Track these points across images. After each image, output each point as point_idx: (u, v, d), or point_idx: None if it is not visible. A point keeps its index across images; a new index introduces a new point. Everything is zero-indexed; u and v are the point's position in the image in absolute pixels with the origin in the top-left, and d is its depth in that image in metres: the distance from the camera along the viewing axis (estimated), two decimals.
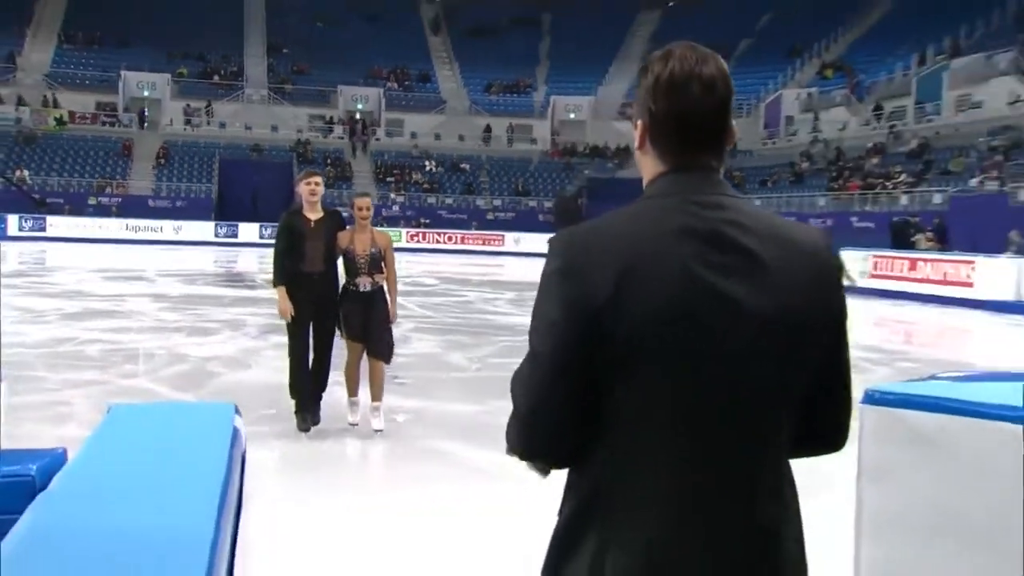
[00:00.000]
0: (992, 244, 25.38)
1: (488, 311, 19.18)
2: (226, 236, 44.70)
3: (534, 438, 1.79)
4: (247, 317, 16.33)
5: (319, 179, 8.18)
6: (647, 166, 1.90)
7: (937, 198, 33.47)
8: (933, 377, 2.49)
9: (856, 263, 25.32)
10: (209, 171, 49.80)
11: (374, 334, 7.85)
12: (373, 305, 7.85)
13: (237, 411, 3.21)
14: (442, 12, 62.85)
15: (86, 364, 11.05)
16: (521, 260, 38.32)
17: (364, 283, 7.79)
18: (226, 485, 2.12)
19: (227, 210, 46.99)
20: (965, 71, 39.97)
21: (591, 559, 1.72)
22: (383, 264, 7.90)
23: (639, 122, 1.88)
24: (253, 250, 41.76)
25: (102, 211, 45.38)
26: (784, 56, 54.01)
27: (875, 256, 26.47)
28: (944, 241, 28.61)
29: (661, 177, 1.85)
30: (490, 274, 31.39)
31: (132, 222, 44.16)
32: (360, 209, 7.86)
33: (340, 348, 8.06)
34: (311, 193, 7.96)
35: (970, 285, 23.09)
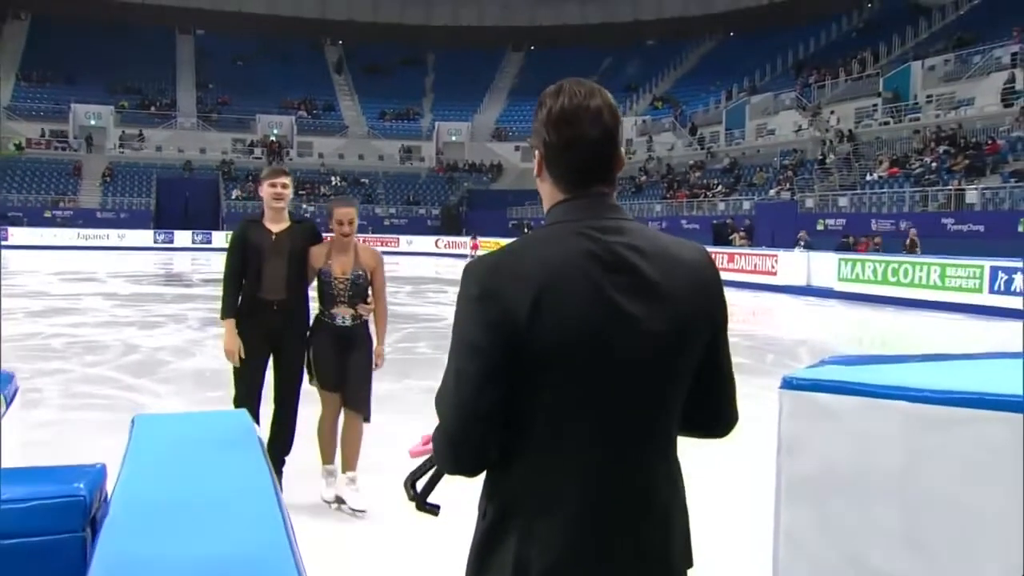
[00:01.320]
0: (787, 241, 26.17)
1: (390, 303, 18.93)
2: (164, 242, 43.53)
3: (463, 453, 1.62)
4: (188, 312, 15.84)
5: (287, 180, 5.19)
6: (546, 193, 1.74)
7: (746, 204, 34.33)
8: (823, 362, 2.46)
9: None
10: (148, 187, 48.31)
11: (353, 382, 5.03)
12: (354, 345, 5.04)
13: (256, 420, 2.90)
14: (343, 54, 62.03)
15: (53, 355, 10.52)
16: (413, 258, 38.09)
17: (343, 315, 5.00)
18: (279, 501, 1.94)
19: (164, 220, 45.85)
20: (761, 105, 41.22)
21: (515, 559, 1.59)
22: (369, 291, 5.12)
23: (536, 152, 1.73)
24: (187, 253, 40.80)
25: (56, 222, 43.68)
26: (623, 91, 54.68)
27: None
28: (752, 239, 29.36)
29: (560, 204, 1.70)
30: (388, 271, 31.01)
31: (83, 231, 42.76)
32: (341, 223, 4.98)
33: (308, 403, 5.31)
34: (275, 197, 5.08)
35: (774, 274, 23.79)
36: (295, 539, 1.81)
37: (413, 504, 1.86)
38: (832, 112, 36.64)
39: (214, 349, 11.40)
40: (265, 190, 5.14)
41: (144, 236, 43.45)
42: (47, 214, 44.35)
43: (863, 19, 47.29)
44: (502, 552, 1.61)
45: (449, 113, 57.46)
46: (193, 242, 43.93)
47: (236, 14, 60.32)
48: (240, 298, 5.10)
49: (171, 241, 43.73)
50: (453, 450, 1.62)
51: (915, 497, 2.07)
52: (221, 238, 44.50)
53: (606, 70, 58.73)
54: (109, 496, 1.89)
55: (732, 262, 25.32)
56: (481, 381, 1.58)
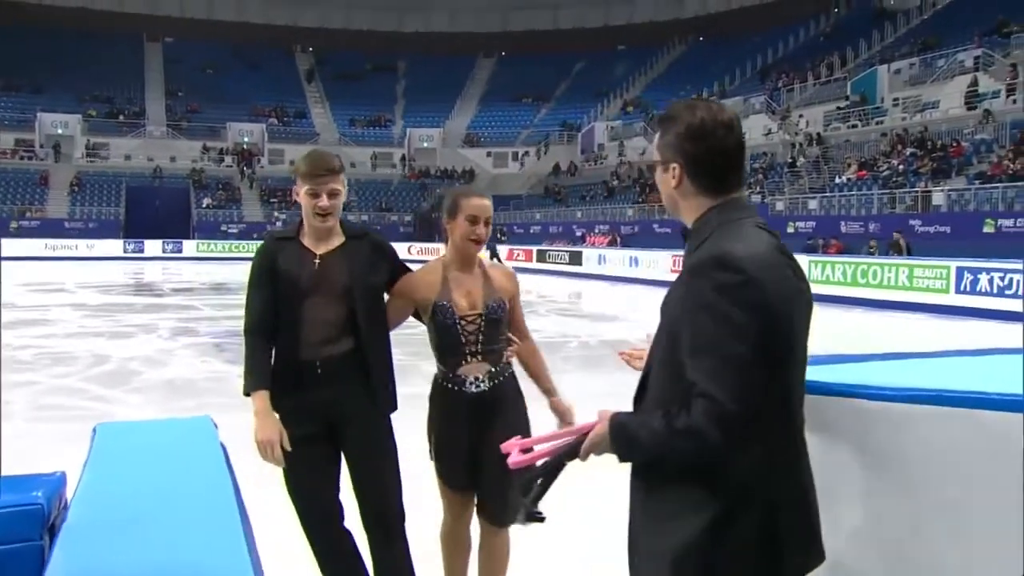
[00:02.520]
0: None
1: None
2: (134, 251, 43.07)
3: (739, 427, 1.72)
4: (158, 321, 15.72)
5: (336, 182, 3.27)
6: (691, 204, 1.93)
7: None
8: None
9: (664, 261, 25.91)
10: (117, 196, 47.78)
11: (492, 475, 3.24)
12: (496, 414, 3.29)
13: (214, 424, 2.88)
14: (315, 61, 61.81)
15: (22, 367, 10.37)
16: None
17: (477, 376, 3.28)
18: (240, 505, 1.91)
19: (133, 229, 45.31)
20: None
21: (759, 532, 1.78)
22: (506, 327, 3.39)
23: (673, 165, 1.92)
24: (158, 262, 40.43)
25: (24, 232, 42.96)
26: (594, 96, 54.89)
27: (674, 255, 27.11)
28: None
29: (716, 208, 1.90)
30: None
31: (50, 241, 42.03)
32: (476, 221, 3.28)
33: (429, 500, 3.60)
34: (320, 213, 3.24)
35: None
36: (255, 547, 1.82)
37: (521, 514, 2.01)
38: (801, 116, 36.94)
39: (186, 358, 11.35)
40: (303, 197, 3.27)
41: (114, 246, 42.99)
42: (13, 225, 43.63)
43: (830, 24, 47.73)
44: (743, 527, 1.77)
45: (421, 119, 57.36)
46: (164, 251, 43.57)
47: (205, 21, 60.00)
48: (274, 358, 3.25)
49: (141, 251, 43.30)
50: (732, 427, 1.71)
51: (877, 491, 2.11)
52: (192, 247, 44.22)
53: (577, 75, 58.99)
54: (68, 503, 1.88)
55: None
56: (753, 357, 1.72)
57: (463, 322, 3.24)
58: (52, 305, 18.81)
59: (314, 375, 3.19)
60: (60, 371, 10.33)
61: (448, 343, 3.27)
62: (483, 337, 3.25)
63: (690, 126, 1.89)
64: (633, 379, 2.10)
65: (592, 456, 1.95)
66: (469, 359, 3.25)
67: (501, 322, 3.30)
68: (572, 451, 1.99)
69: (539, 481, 1.95)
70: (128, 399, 8.71)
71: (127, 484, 2.08)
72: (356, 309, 3.22)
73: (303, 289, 3.22)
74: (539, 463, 1.97)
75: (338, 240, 3.33)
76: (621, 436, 1.88)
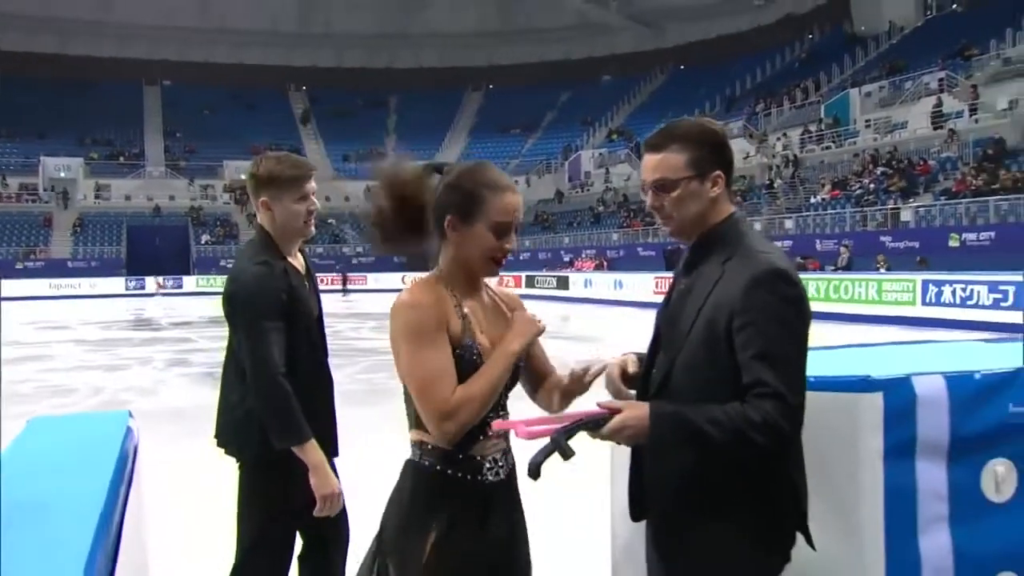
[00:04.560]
0: None
1: (353, 338, 19.25)
2: (135, 288, 43.41)
3: (800, 421, 1.93)
4: (153, 354, 16.08)
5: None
6: (720, 208, 2.10)
7: None
8: None
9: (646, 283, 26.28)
10: (119, 235, 48.25)
11: None
12: (520, 520, 2.24)
13: (131, 415, 2.81)
14: (308, 99, 62.45)
15: (21, 400, 10.69)
16: (382, 295, 38.23)
17: (495, 456, 2.16)
18: (109, 511, 1.82)
19: (134, 266, 45.74)
20: None
21: (793, 490, 2.04)
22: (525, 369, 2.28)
23: (717, 174, 2.08)
24: (158, 299, 40.78)
25: (29, 273, 43.43)
26: (580, 125, 55.50)
27: (656, 277, 27.49)
28: None
29: (735, 215, 2.12)
30: (354, 308, 31.37)
31: (54, 281, 42.47)
32: (507, 230, 2.13)
33: None
34: (308, 214, 2.91)
35: None
36: (111, 549, 1.79)
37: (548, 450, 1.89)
38: (779, 139, 37.49)
39: (177, 389, 11.72)
40: (285, 206, 2.85)
41: (115, 283, 43.36)
42: (19, 266, 44.13)
43: (804, 50, 48.47)
44: (781, 484, 2.02)
45: (412, 152, 55.74)
46: (163, 287, 44.01)
47: (203, 64, 60.65)
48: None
49: (142, 287, 43.64)
50: (797, 419, 1.92)
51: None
52: (192, 283, 44.59)
53: (563, 105, 59.64)
54: None
55: None
56: (804, 362, 1.96)
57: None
58: (54, 342, 19.16)
59: (333, 420, 2.95)
60: (58, 402, 10.70)
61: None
62: (505, 397, 2.20)
63: (719, 137, 2.09)
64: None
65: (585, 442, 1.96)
66: (488, 431, 2.11)
67: (519, 371, 2.24)
68: (595, 424, 1.92)
69: (564, 435, 1.89)
70: None
71: (10, 479, 1.96)
72: (322, 331, 2.95)
73: (306, 309, 2.85)
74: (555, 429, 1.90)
75: (299, 254, 2.99)
76: (677, 424, 1.92)
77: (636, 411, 1.94)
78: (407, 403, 2.15)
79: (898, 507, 2.31)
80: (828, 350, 3.17)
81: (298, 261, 2.93)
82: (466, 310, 2.14)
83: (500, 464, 2.16)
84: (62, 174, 50.91)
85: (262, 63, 61.52)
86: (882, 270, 22.64)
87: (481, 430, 2.09)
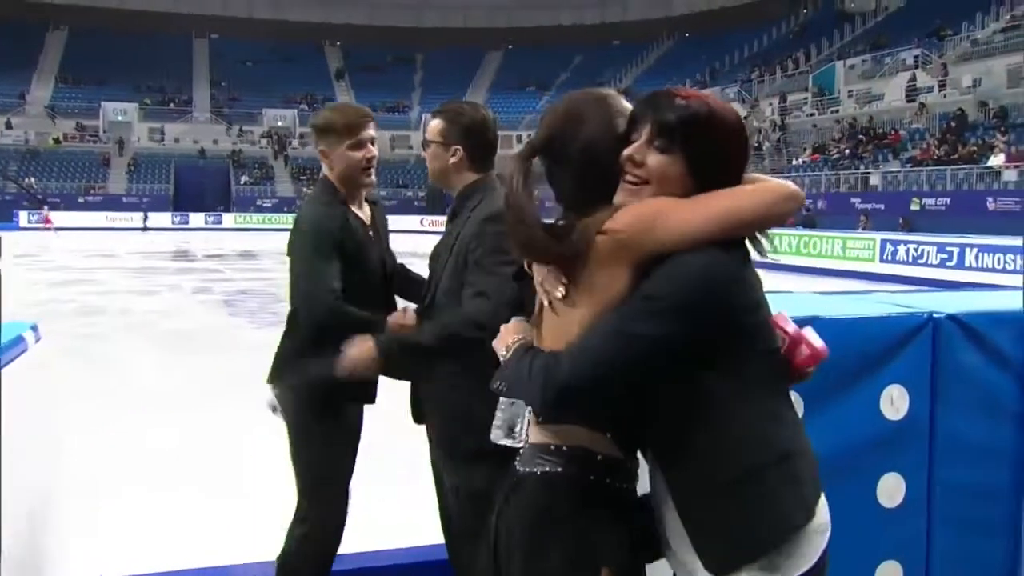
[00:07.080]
0: None
1: None
2: (180, 223, 43.97)
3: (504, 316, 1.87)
4: (184, 282, 16.46)
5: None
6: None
7: None
8: None
9: None
10: (167, 175, 48.61)
11: None
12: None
13: (34, 328, 2.66)
14: (342, 54, 62.17)
15: (60, 317, 11.08)
16: (401, 236, 38.40)
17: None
18: None
19: (181, 203, 46.39)
20: None
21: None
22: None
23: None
24: (200, 232, 41.32)
25: (88, 206, 44.14)
26: (591, 85, 54.47)
27: None
28: None
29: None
30: None
31: (111, 214, 43.22)
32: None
33: None
34: (369, 163, 2.64)
35: None
36: None
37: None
38: (770, 104, 37.16)
39: (199, 314, 12.09)
40: (341, 155, 2.60)
41: (164, 218, 43.91)
42: (80, 199, 44.85)
43: (799, 24, 47.71)
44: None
45: (436, 105, 56.48)
46: (206, 223, 44.52)
47: (247, 20, 60.42)
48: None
49: (187, 222, 44.17)
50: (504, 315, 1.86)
51: None
52: (231, 219, 45.10)
53: (576, 68, 59.06)
54: None
55: None
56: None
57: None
58: (99, 268, 19.60)
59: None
60: (88, 320, 11.07)
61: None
62: None
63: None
64: None
65: None
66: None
67: None
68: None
69: None
70: (143, 346, 9.40)
71: None
72: (390, 288, 2.69)
73: (372, 270, 2.61)
74: None
75: (366, 206, 2.72)
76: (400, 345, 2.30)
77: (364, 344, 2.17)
78: None
79: None
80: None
81: (364, 212, 2.65)
82: None
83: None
84: (119, 118, 51.26)
85: (301, 20, 61.17)
86: (860, 229, 22.67)
87: None
